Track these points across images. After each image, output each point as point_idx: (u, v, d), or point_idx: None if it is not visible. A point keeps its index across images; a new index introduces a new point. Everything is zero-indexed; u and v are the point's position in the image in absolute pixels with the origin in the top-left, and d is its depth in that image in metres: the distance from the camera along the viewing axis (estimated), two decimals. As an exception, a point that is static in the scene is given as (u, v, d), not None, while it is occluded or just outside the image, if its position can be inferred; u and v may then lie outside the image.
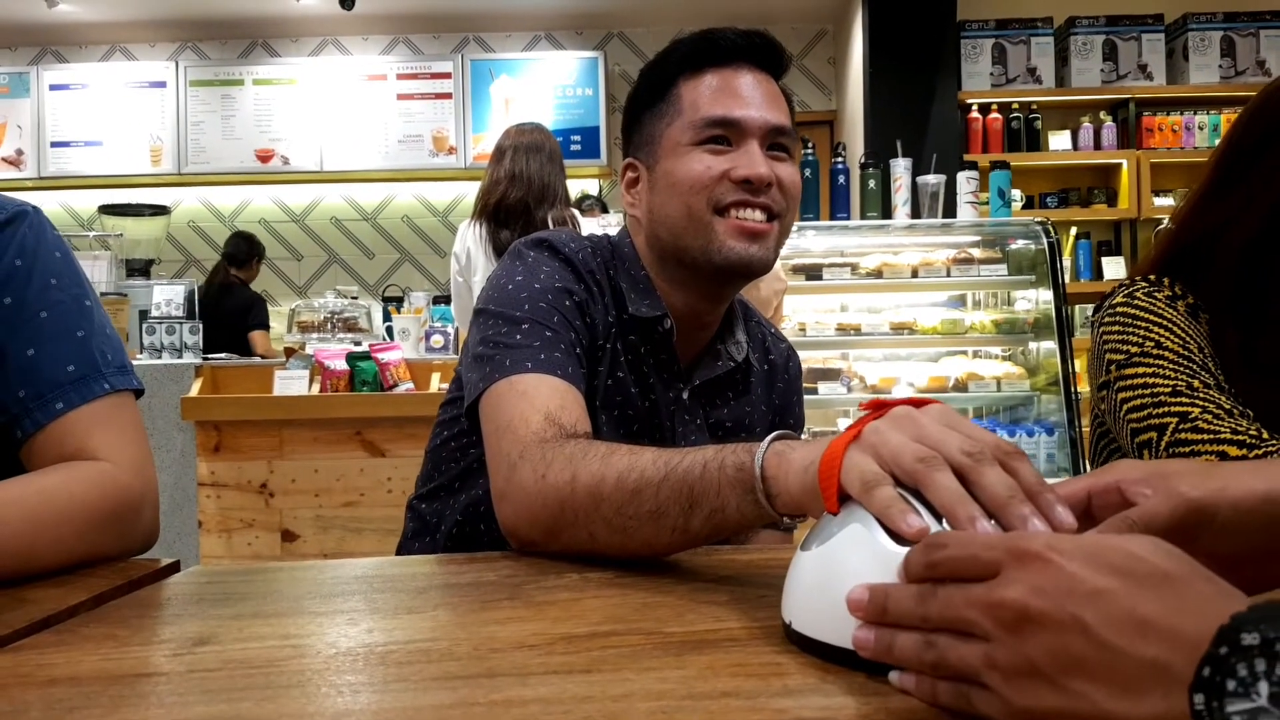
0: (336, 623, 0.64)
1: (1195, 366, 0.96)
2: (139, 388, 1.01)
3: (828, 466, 0.59)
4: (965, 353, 3.61)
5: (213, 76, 5.62)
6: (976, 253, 3.47)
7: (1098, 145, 4.88)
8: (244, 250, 4.94)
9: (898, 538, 0.53)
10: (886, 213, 3.56)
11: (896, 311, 3.55)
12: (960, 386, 3.35)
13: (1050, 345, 3.35)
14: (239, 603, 0.71)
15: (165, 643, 0.61)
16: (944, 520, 0.52)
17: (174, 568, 0.87)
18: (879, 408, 0.61)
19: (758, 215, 1.06)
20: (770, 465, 0.68)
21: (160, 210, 4.21)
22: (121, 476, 0.91)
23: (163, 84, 5.60)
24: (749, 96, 1.08)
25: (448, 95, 5.54)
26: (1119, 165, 4.92)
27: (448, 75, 5.55)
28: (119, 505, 0.90)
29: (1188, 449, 0.88)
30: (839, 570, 0.55)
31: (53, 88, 5.63)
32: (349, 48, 5.84)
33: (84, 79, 5.63)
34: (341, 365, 3.12)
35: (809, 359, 3.50)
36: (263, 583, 0.79)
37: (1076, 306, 4.11)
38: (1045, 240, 3.35)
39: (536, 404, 0.93)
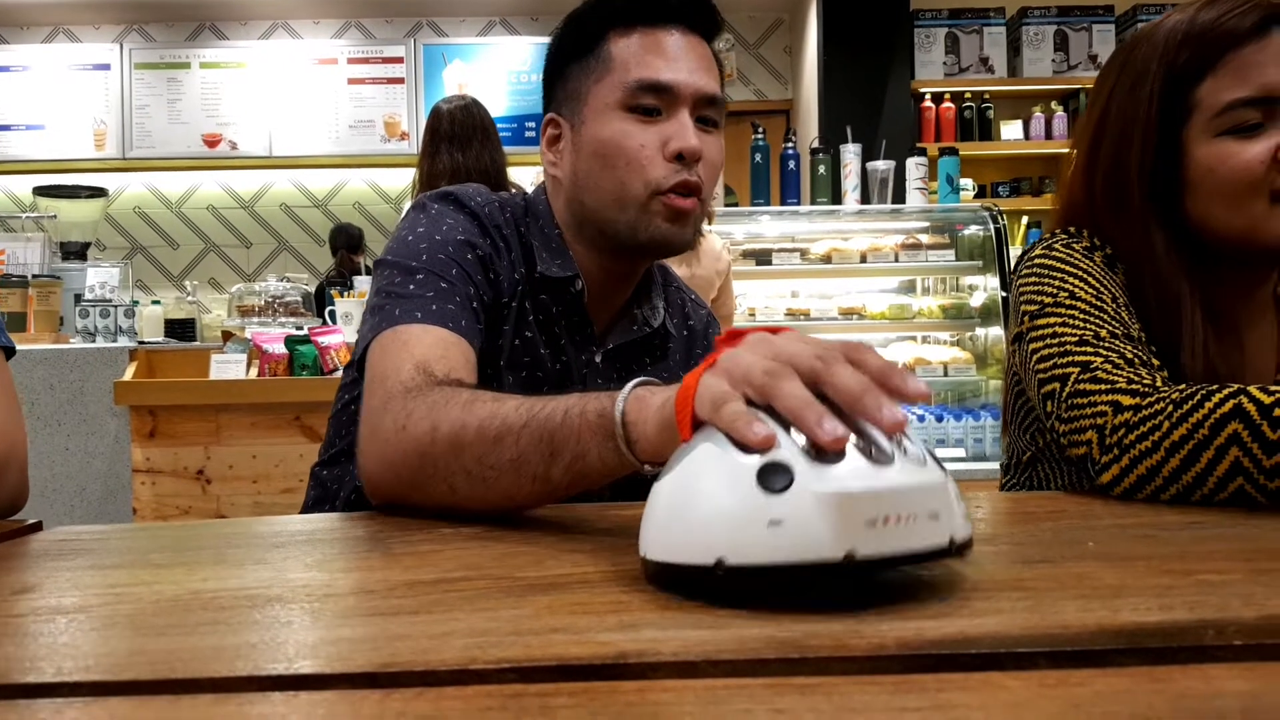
0: (173, 573, 0.60)
1: (1106, 316, 0.94)
2: (8, 345, 0.96)
3: (683, 397, 0.57)
4: (914, 338, 3.61)
5: (158, 59, 5.49)
6: (925, 238, 3.47)
7: (1049, 135, 4.91)
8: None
9: (747, 449, 0.50)
10: (836, 198, 3.55)
11: (846, 297, 3.54)
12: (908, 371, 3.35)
13: (998, 331, 3.36)
14: (81, 556, 0.67)
15: (-20, 593, 0.57)
16: (792, 429, 0.50)
17: (35, 528, 0.82)
18: (734, 337, 0.58)
19: (688, 194, 1.03)
20: (631, 410, 0.65)
21: (97, 193, 4.09)
22: (-19, 435, 0.87)
23: (107, 66, 5.46)
24: (681, 60, 1.04)
25: (400, 80, 5.45)
26: (1070, 155, 4.95)
27: (400, 60, 5.46)
28: (-25, 464, 0.85)
29: (1085, 399, 0.86)
30: (691, 490, 0.52)
31: (-8, 69, 5.47)
32: (299, 31, 5.73)
33: (25, 61, 5.48)
34: (280, 349, 3.03)
35: (758, 344, 3.47)
36: (118, 541, 0.75)
37: (1026, 294, 4.12)
38: (992, 226, 3.35)
39: (415, 353, 0.89)
